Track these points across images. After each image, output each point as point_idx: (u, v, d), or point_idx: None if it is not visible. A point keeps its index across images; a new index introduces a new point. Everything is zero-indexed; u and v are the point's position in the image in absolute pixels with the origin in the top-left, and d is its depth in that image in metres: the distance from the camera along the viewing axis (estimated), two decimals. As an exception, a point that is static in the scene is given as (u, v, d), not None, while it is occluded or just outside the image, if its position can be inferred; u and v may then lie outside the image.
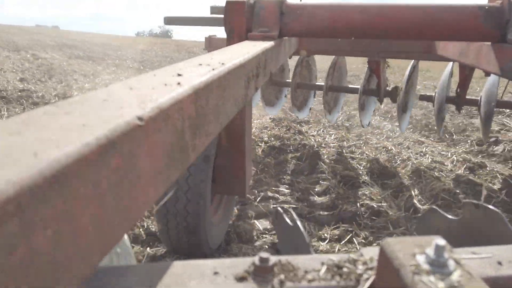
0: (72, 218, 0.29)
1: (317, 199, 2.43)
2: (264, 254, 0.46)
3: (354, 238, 2.00)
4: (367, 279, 0.45)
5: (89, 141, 0.31)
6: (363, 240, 2.00)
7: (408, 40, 2.31)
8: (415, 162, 3.03)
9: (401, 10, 1.50)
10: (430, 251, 0.40)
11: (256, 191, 2.47)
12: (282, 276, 0.45)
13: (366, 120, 3.37)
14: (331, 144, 3.49)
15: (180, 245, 1.73)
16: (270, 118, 4.28)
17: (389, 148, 3.38)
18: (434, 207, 0.92)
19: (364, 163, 3.03)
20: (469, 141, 3.67)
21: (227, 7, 1.53)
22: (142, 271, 0.47)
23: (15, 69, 7.16)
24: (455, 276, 0.38)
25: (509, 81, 2.50)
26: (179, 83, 0.53)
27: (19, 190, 0.24)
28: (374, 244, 2.00)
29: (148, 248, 1.86)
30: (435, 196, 2.43)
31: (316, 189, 2.54)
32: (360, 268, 0.47)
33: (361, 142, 3.57)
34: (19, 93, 5.05)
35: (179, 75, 0.60)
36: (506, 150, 3.30)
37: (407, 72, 2.93)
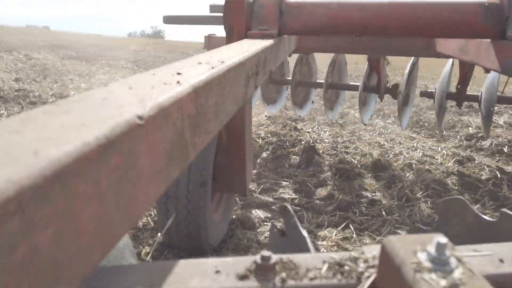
0: (72, 217, 0.28)
1: (315, 190, 2.54)
2: (266, 253, 0.46)
3: (350, 225, 2.12)
4: (369, 277, 0.45)
5: (89, 140, 0.31)
6: (358, 226, 2.12)
7: (407, 37, 2.30)
8: (406, 156, 3.15)
9: (401, 7, 1.49)
10: (432, 249, 0.40)
11: (256, 184, 2.59)
12: (283, 274, 0.45)
13: (366, 118, 3.36)
14: (326, 140, 3.60)
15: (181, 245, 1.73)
16: (266, 116, 4.34)
17: (382, 143, 3.51)
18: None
19: (358, 157, 3.13)
20: (458, 136, 3.84)
21: (226, 6, 1.52)
22: (143, 270, 0.47)
23: (8, 69, 7.15)
24: (457, 273, 0.38)
25: (508, 78, 2.50)
26: (178, 82, 0.53)
27: (19, 189, 0.23)
28: (372, 236, 2.05)
29: (159, 234, 1.88)
30: (426, 186, 2.55)
31: (313, 181, 2.65)
32: (362, 266, 0.47)
33: (355, 138, 3.69)
34: (16, 93, 5.06)
35: (178, 73, 0.59)
36: (493, 145, 3.46)
37: (407, 69, 2.93)
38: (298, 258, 0.49)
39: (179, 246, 1.77)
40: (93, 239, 0.31)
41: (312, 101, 3.66)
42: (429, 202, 2.39)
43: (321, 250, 1.94)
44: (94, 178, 0.31)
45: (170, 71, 0.61)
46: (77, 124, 0.33)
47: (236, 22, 1.52)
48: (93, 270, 0.32)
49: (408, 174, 2.79)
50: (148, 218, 2.10)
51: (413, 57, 2.93)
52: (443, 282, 0.37)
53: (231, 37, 1.54)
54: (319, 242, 1.98)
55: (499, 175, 2.74)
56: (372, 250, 0.49)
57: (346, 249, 1.93)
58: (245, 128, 1.62)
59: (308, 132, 3.85)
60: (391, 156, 3.19)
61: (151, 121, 0.40)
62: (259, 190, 2.50)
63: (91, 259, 0.31)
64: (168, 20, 2.64)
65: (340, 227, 2.10)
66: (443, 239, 0.40)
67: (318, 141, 3.55)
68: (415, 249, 0.41)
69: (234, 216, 2.12)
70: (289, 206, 0.87)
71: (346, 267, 0.47)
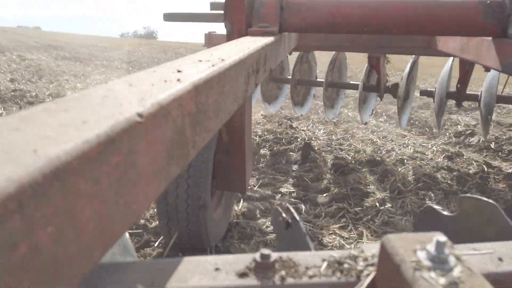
0: (73, 215, 0.28)
1: (311, 184, 2.65)
2: (265, 251, 0.46)
3: (346, 215, 2.24)
4: (368, 275, 0.45)
5: (89, 138, 0.31)
6: (354, 216, 2.24)
7: (408, 35, 2.30)
8: (398, 152, 3.28)
9: (401, 5, 1.49)
10: (431, 247, 0.40)
11: (255, 179, 2.69)
12: (283, 272, 0.45)
13: (365, 116, 3.36)
14: (321, 137, 3.72)
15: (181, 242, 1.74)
16: (262, 115, 4.42)
17: (375, 140, 3.65)
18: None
19: (352, 153, 3.24)
20: (447, 134, 4.03)
21: (227, 3, 1.52)
22: (143, 267, 0.47)
23: (3, 70, 7.12)
24: (456, 272, 0.38)
25: (509, 77, 2.49)
26: (179, 80, 0.53)
27: (19, 188, 0.23)
28: (366, 225, 2.16)
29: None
30: (417, 180, 2.68)
31: (310, 176, 2.75)
32: (361, 264, 0.47)
33: (348, 135, 3.81)
34: (13, 93, 5.07)
35: (178, 71, 0.59)
36: (481, 141, 3.65)
37: (407, 68, 2.92)
38: (297, 256, 0.49)
39: (180, 245, 1.77)
40: (93, 237, 0.31)
41: (314, 95, 3.68)
42: (419, 194, 2.51)
43: (320, 239, 2.03)
44: (94, 176, 0.31)
45: (170, 69, 0.61)
46: (77, 122, 0.33)
47: (237, 19, 1.52)
48: (93, 268, 0.32)
49: (400, 169, 2.91)
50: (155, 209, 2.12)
51: (414, 56, 2.93)
52: (442, 281, 0.37)
53: (231, 35, 1.53)
54: (318, 231, 2.08)
55: (486, 169, 2.88)
56: (371, 249, 0.49)
57: (343, 237, 2.06)
58: (245, 127, 1.62)
59: (304, 130, 3.95)
60: (384, 152, 3.30)
61: (151, 119, 0.40)
62: (258, 184, 2.61)
63: (91, 258, 0.31)
64: (169, 17, 2.64)
65: (336, 217, 2.21)
66: (442, 237, 0.40)
67: (313, 138, 3.65)
68: (415, 247, 0.41)
69: (236, 208, 2.23)
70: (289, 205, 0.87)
71: (346, 265, 0.47)
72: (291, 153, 3.23)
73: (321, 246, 1.96)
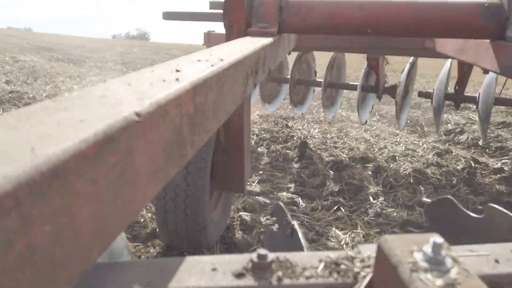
0: (70, 214, 0.28)
1: (308, 180, 2.77)
2: (262, 251, 0.46)
3: (341, 207, 2.35)
4: (365, 276, 0.46)
5: (87, 137, 0.30)
6: (348, 209, 2.36)
7: (407, 37, 2.30)
8: (390, 150, 3.42)
9: (401, 7, 1.49)
10: (428, 249, 0.40)
11: (254, 175, 2.80)
12: (280, 273, 0.45)
13: (364, 117, 3.37)
14: (316, 136, 3.84)
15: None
16: (258, 114, 4.51)
17: (368, 138, 3.78)
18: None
19: (346, 151, 3.37)
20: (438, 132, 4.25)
21: (226, 2, 1.52)
22: (141, 267, 0.47)
23: None
24: (453, 273, 0.38)
25: (507, 79, 2.50)
26: (177, 79, 0.53)
27: (17, 186, 0.23)
28: (360, 217, 2.30)
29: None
30: (408, 175, 2.82)
31: (306, 172, 2.87)
32: (358, 265, 0.47)
33: (343, 134, 3.94)
34: (10, 95, 5.07)
35: (177, 71, 0.59)
36: (469, 139, 3.85)
37: (406, 69, 2.93)
38: (294, 256, 0.49)
39: (179, 245, 1.77)
40: (91, 236, 0.31)
41: (315, 90, 3.69)
42: (410, 188, 2.63)
43: (317, 229, 2.12)
44: (92, 175, 0.31)
45: (169, 68, 0.61)
46: (75, 121, 0.33)
47: (236, 19, 1.52)
48: (91, 267, 0.32)
49: (392, 165, 3.04)
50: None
51: (412, 57, 2.94)
52: (439, 282, 0.37)
53: (230, 34, 1.53)
54: (314, 222, 2.19)
55: (473, 165, 3.02)
56: (368, 250, 0.49)
57: (338, 227, 2.17)
58: (244, 127, 1.62)
59: (299, 129, 4.05)
60: (377, 150, 3.43)
61: (149, 118, 0.40)
62: (257, 180, 2.72)
63: (88, 257, 0.31)
64: (168, 16, 2.63)
65: (332, 210, 2.33)
66: (439, 239, 0.40)
67: (309, 137, 3.77)
68: (412, 249, 0.41)
69: (236, 202, 2.33)
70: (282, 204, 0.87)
71: (343, 266, 0.47)
72: (287, 151, 3.32)
73: (318, 235, 2.07)
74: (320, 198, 2.47)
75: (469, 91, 3.52)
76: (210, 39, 2.86)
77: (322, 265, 0.47)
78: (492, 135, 3.94)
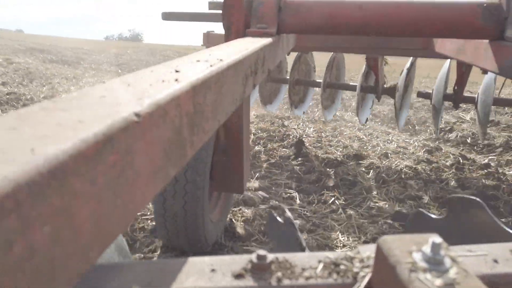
0: (70, 214, 0.28)
1: (304, 176, 2.90)
2: (262, 252, 0.46)
3: (336, 201, 2.51)
4: (364, 276, 0.46)
5: (86, 138, 0.30)
6: (343, 202, 2.51)
7: (406, 37, 2.31)
8: (383, 147, 3.58)
9: (400, 7, 1.49)
10: (427, 249, 0.40)
11: (252, 172, 2.93)
12: (279, 274, 0.45)
13: (363, 117, 3.37)
14: (311, 135, 3.99)
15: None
16: (254, 114, 4.63)
17: (361, 137, 3.96)
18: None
19: (340, 148, 3.53)
20: (428, 130, 4.44)
21: (225, 3, 1.52)
22: (140, 268, 0.47)
23: None
24: (451, 273, 0.38)
25: (506, 79, 2.51)
26: (176, 80, 0.53)
27: (16, 186, 0.23)
28: (355, 209, 2.45)
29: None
30: (399, 171, 2.97)
31: (302, 169, 3.01)
32: (357, 265, 0.47)
33: (337, 133, 4.11)
34: (8, 96, 5.08)
35: (176, 71, 0.59)
36: (458, 136, 4.07)
37: (405, 69, 2.93)
38: (293, 257, 0.49)
39: (178, 246, 1.77)
40: (90, 237, 0.31)
41: (314, 89, 3.71)
42: (401, 183, 2.79)
43: (314, 221, 2.24)
44: (92, 176, 0.31)
45: (168, 69, 0.61)
46: (75, 122, 0.33)
47: (235, 19, 1.52)
48: (90, 268, 0.32)
49: (384, 162, 3.18)
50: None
51: (411, 58, 2.94)
52: (438, 282, 0.37)
53: (229, 35, 1.53)
54: (311, 215, 2.34)
55: (461, 161, 3.21)
56: (367, 250, 0.49)
57: (334, 219, 2.30)
58: (243, 127, 1.62)
59: (295, 128, 4.20)
60: (370, 147, 3.60)
61: (148, 118, 0.40)
62: (255, 177, 2.85)
63: (88, 257, 0.31)
64: (167, 16, 2.63)
65: (328, 203, 2.48)
66: (438, 239, 0.40)
67: (304, 136, 3.91)
68: (411, 249, 0.41)
69: (237, 197, 2.43)
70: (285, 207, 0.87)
71: (342, 267, 0.47)
72: (284, 149, 3.47)
73: (314, 226, 2.20)
74: (316, 192, 2.60)
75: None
76: (209, 40, 2.86)
77: (321, 266, 0.48)
78: (481, 133, 4.17)
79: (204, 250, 1.79)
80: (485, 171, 3.01)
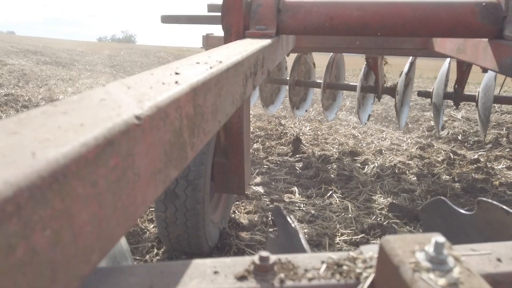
0: (71, 217, 0.28)
1: (302, 171, 2.99)
2: (264, 253, 0.46)
3: (334, 194, 2.60)
4: (367, 277, 0.45)
5: (87, 141, 0.30)
6: (340, 195, 2.59)
7: (405, 36, 2.31)
8: (377, 144, 3.69)
9: (399, 7, 1.49)
10: (430, 248, 0.40)
11: (252, 168, 3.00)
12: (282, 275, 0.45)
13: (364, 117, 3.37)
14: (308, 133, 4.08)
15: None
16: (251, 114, 4.66)
17: (356, 135, 4.08)
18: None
19: (336, 146, 3.63)
20: (421, 128, 4.53)
21: (224, 5, 1.52)
22: (142, 271, 0.47)
23: None
24: (455, 273, 0.38)
25: (506, 77, 2.50)
26: (176, 82, 0.53)
27: (17, 191, 0.23)
28: (352, 202, 2.52)
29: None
30: (393, 166, 3.08)
31: (300, 165, 3.10)
32: (360, 266, 0.47)
33: (332, 131, 4.21)
34: (5, 98, 5.09)
35: (176, 73, 0.59)
36: (449, 134, 4.21)
37: (405, 69, 2.93)
38: (296, 258, 0.49)
39: (178, 248, 1.76)
40: (91, 240, 0.31)
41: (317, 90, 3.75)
42: (395, 177, 2.88)
43: (312, 213, 2.31)
44: (93, 179, 0.31)
45: (168, 71, 0.61)
46: (75, 125, 0.33)
47: (234, 21, 1.52)
48: (92, 271, 0.32)
49: (378, 158, 3.28)
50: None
51: (411, 57, 2.94)
52: (441, 282, 0.37)
53: (229, 37, 1.53)
54: (310, 207, 2.41)
55: (452, 157, 3.32)
56: (370, 250, 0.49)
57: (331, 210, 2.38)
58: (243, 129, 1.62)
59: (291, 127, 4.30)
60: (364, 144, 3.71)
61: (149, 121, 0.40)
62: (255, 173, 2.92)
63: (89, 260, 0.31)
64: (166, 19, 2.64)
65: (325, 196, 2.57)
66: (441, 238, 0.40)
67: (301, 134, 3.99)
68: (414, 248, 0.41)
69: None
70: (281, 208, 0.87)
71: (345, 267, 0.47)
72: (281, 146, 3.56)
73: (313, 217, 2.27)
74: (314, 187, 2.69)
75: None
76: (209, 42, 2.86)
77: (324, 267, 0.47)
78: (471, 130, 4.29)
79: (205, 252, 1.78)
80: (475, 165, 3.12)
